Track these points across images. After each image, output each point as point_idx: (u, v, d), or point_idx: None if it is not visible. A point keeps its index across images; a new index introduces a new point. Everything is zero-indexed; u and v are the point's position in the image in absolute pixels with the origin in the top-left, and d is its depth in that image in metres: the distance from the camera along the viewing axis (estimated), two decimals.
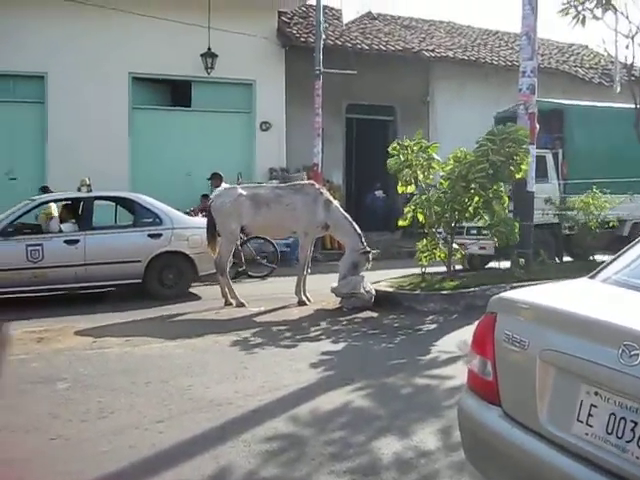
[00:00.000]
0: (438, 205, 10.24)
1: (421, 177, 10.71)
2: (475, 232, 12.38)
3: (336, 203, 10.92)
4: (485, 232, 11.71)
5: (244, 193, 10.77)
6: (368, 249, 10.41)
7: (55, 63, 16.37)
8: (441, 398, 5.90)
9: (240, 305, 10.43)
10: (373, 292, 10.12)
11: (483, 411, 3.17)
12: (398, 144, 10.77)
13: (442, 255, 10.78)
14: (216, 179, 14.48)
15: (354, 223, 10.66)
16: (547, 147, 13.77)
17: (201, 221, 11.46)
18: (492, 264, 13.10)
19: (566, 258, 13.60)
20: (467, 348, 3.58)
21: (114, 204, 12.54)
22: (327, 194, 11.00)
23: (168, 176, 17.06)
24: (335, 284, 10.33)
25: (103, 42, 16.61)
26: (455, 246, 10.88)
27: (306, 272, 10.79)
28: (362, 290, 9.99)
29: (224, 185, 14.01)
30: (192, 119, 18.12)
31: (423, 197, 10.47)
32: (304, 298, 10.56)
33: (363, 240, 10.51)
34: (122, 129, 17.26)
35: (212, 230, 10.75)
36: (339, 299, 10.25)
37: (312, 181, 11.90)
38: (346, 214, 10.90)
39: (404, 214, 10.93)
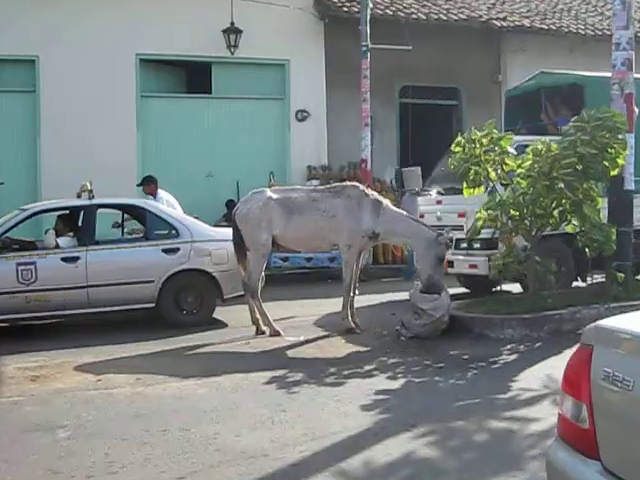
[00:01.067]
0: (516, 209, 10.14)
1: (493, 175, 10.62)
2: (465, 246, 11.99)
3: (387, 202, 10.81)
4: (476, 246, 11.51)
5: (274, 197, 10.70)
6: (439, 232, 10.30)
7: (48, 45, 16.59)
8: (523, 447, 5.86)
9: (275, 334, 10.42)
10: (447, 321, 10.02)
11: (578, 466, 3.16)
12: (463, 138, 10.66)
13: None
14: (150, 184, 13.63)
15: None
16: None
17: (226, 232, 11.37)
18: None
19: None
20: (555, 385, 3.56)
21: (121, 213, 12.67)
22: (375, 194, 10.92)
23: (185, 177, 17.12)
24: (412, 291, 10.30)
25: (106, 19, 16.82)
26: (537, 258, 10.73)
27: (353, 293, 10.71)
28: (444, 318, 9.94)
29: (160, 191, 13.38)
30: (213, 108, 18.29)
31: (497, 200, 10.38)
32: (352, 324, 10.51)
33: (429, 227, 10.53)
34: (129, 121, 17.45)
35: (239, 243, 10.73)
36: (395, 326, 10.21)
37: (355, 182, 11.72)
38: (401, 210, 10.93)
39: (474, 221, 10.85)
